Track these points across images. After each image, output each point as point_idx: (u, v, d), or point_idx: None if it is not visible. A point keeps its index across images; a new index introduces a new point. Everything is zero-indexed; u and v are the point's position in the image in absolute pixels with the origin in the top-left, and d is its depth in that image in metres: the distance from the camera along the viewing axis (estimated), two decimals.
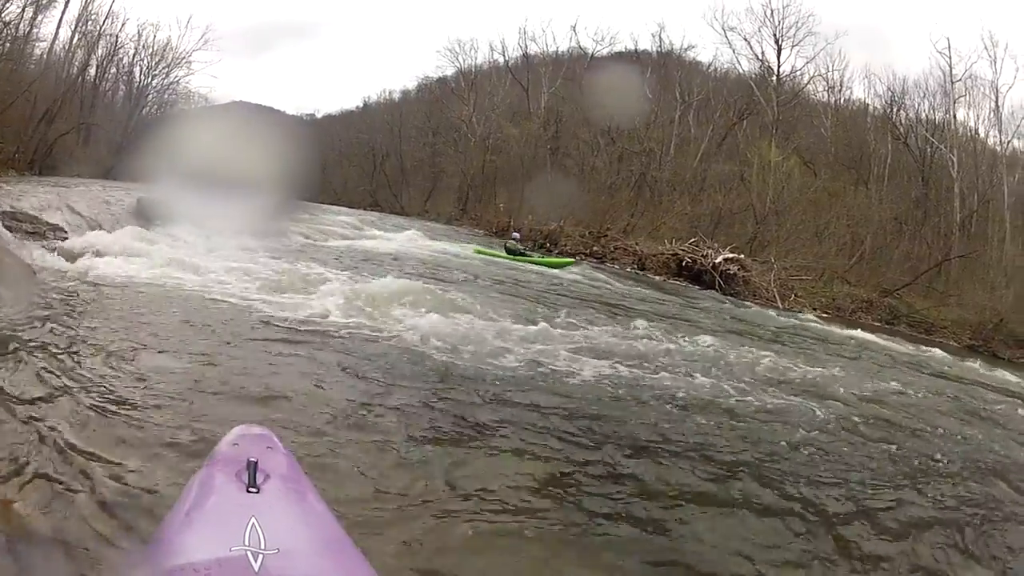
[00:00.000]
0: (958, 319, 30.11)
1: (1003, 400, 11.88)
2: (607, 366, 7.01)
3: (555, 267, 20.88)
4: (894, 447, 6.36)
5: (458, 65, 50.34)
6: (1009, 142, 38.66)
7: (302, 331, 6.85)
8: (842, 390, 8.40)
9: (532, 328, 8.37)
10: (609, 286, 18.63)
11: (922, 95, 38.98)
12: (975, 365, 18.36)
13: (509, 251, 21.74)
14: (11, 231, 9.51)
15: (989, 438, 7.82)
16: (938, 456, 6.39)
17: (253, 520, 1.87)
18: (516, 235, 23.95)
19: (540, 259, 21.91)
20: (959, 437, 7.45)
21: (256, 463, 2.18)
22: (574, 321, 9.60)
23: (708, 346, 9.40)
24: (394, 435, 4.48)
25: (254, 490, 2.12)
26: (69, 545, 2.86)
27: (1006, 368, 22.02)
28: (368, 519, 3.36)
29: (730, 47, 45.76)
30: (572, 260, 22.88)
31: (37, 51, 31.23)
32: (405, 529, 3.40)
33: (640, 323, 10.36)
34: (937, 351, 18.88)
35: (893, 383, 10.14)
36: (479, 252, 21.18)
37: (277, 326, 6.93)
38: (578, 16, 60.08)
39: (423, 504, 3.67)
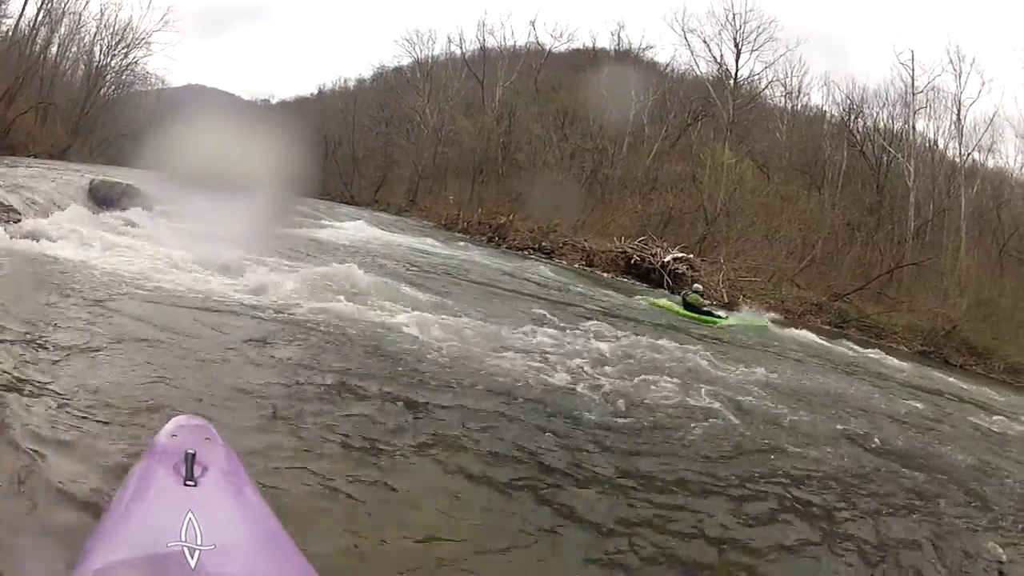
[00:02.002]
0: (909, 325, 31.18)
1: (950, 404, 13.40)
2: (542, 357, 7.40)
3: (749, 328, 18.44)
4: (833, 447, 6.87)
5: (415, 55, 51.00)
6: (969, 154, 40.48)
7: (245, 320, 6.95)
8: (782, 391, 9.09)
9: (470, 320, 8.60)
10: (557, 281, 19.08)
11: (881, 104, 40.51)
12: (926, 371, 19.88)
13: (689, 306, 17.93)
14: None
15: (937, 443, 8.58)
16: (877, 463, 6.86)
17: (190, 515, 1.91)
18: (698, 287, 19.38)
19: (723, 318, 18.12)
20: (905, 442, 8.10)
21: (194, 455, 2.22)
22: (531, 318, 9.92)
23: (644, 344, 9.72)
24: (334, 427, 4.53)
25: (191, 483, 2.15)
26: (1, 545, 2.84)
27: (958, 375, 23.35)
28: (306, 512, 3.42)
29: (689, 49, 46.81)
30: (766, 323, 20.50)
31: (3, 28, 31.51)
32: (343, 523, 3.48)
33: (595, 323, 10.69)
34: (888, 357, 20.06)
35: (836, 384, 11.05)
36: (654, 305, 18.22)
37: (221, 315, 7.01)
38: (538, 11, 60.69)
39: (361, 497, 3.73)
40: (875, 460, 6.89)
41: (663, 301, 18.70)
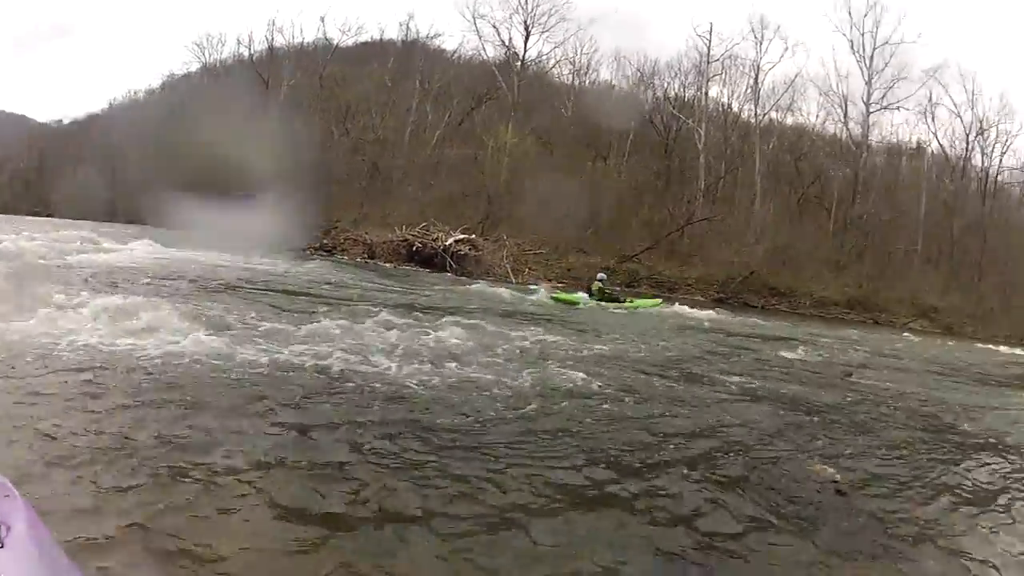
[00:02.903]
0: (702, 276, 32.93)
1: (759, 343, 14.84)
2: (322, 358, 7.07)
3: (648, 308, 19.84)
4: (666, 403, 7.15)
5: (204, 60, 49.43)
6: (766, 114, 44.19)
7: (41, 356, 6.33)
8: (573, 352, 9.38)
9: (266, 333, 8.15)
10: (343, 278, 18.67)
11: (674, 75, 43.18)
12: (726, 315, 21.97)
13: (593, 294, 18.96)
14: None
15: (758, 380, 9.26)
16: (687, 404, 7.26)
17: None
18: (602, 276, 20.53)
19: (632, 303, 19.68)
20: (725, 383, 8.68)
21: None
22: (310, 319, 9.30)
23: (439, 329, 9.44)
24: (135, 470, 4.17)
25: None
26: None
27: (762, 315, 25.70)
28: (112, 565, 3.18)
29: (478, 34, 47.55)
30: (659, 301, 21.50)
31: None
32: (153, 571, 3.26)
33: (382, 314, 10.29)
34: (683, 308, 21.74)
35: (647, 338, 11.78)
36: (557, 300, 18.62)
37: (13, 352, 6.37)
38: (329, 7, 60.10)
39: (178, 553, 3.43)
40: (700, 407, 7.29)
41: (565, 295, 19.66)
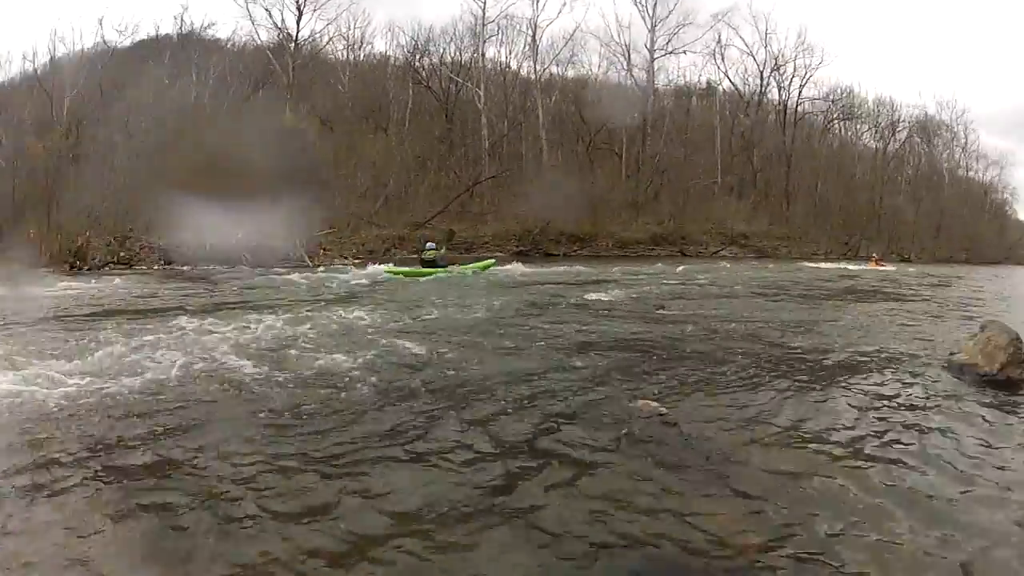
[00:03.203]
0: (499, 232, 34.41)
1: (565, 289, 15.91)
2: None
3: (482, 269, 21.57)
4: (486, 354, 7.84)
5: None
6: (546, 69, 46.93)
7: None
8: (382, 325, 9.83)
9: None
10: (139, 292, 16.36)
11: (449, 40, 45.43)
12: (536, 268, 23.32)
13: (427, 263, 20.60)
14: None
15: (568, 326, 10.04)
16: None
17: None
18: (431, 244, 21.87)
19: (465, 266, 21.92)
20: (536, 333, 9.39)
21: None
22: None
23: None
24: None
25: None
26: None
27: (557, 263, 27.10)
28: None
29: (251, 19, 47.83)
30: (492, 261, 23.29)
31: None
32: None
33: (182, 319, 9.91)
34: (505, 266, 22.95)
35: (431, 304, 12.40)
36: (390, 273, 20.02)
37: None
38: (106, 8, 58.39)
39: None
40: (522, 358, 7.77)
41: (398, 268, 21.08)
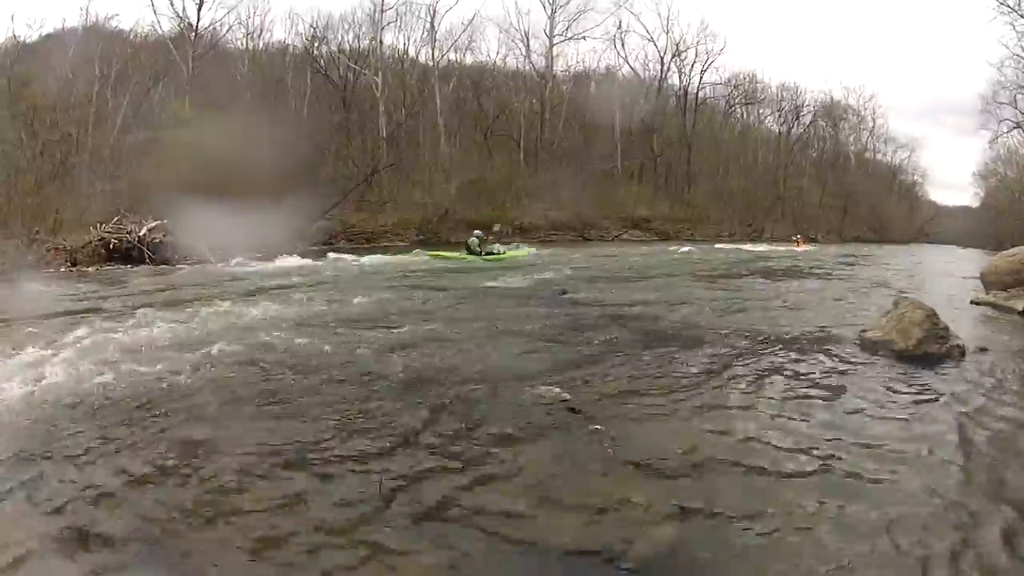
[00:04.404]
0: (399, 221, 36.33)
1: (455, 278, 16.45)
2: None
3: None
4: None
5: None
6: (444, 55, 49.16)
7: None
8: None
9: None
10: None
11: (347, 28, 47.24)
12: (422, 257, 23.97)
13: (472, 251, 23.56)
14: None
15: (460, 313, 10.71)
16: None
17: None
18: (477, 232, 25.42)
19: (502, 255, 24.26)
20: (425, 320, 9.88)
21: None
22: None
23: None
24: None
25: None
26: None
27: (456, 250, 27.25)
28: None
29: (153, 8, 48.75)
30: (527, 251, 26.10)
31: None
32: None
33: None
34: (386, 256, 23.99)
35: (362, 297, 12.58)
36: (434, 256, 23.15)
37: None
38: (18, 3, 58.56)
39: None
40: (423, 348, 8.14)
41: (438, 253, 24.10)
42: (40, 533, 3.75)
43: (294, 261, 22.96)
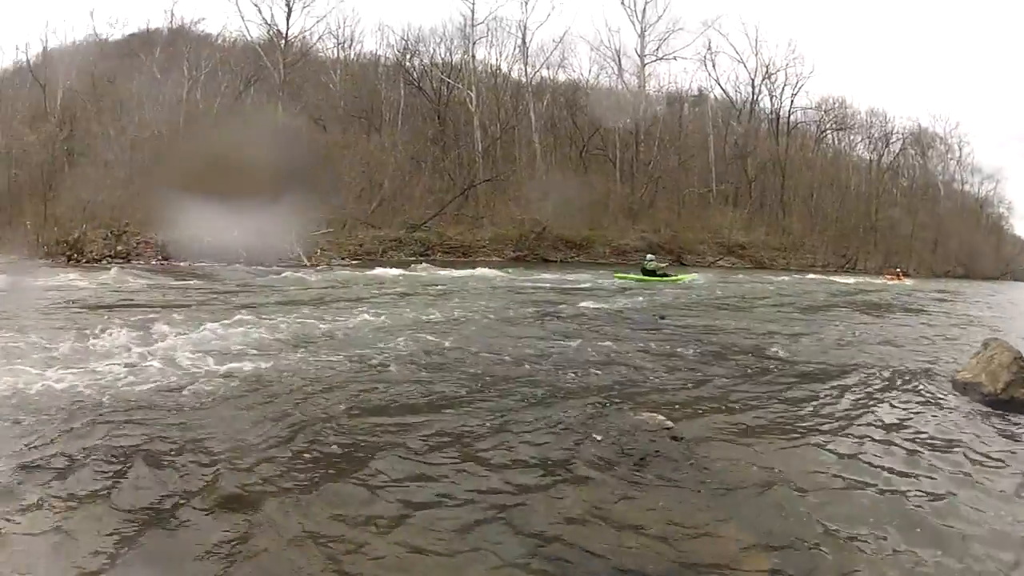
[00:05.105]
0: (496, 236, 35.04)
1: (562, 296, 16.00)
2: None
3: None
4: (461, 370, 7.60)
5: None
6: (536, 72, 47.70)
7: None
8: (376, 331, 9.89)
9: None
10: (137, 287, 17.31)
11: (439, 41, 46.92)
12: (522, 273, 23.25)
13: (648, 272, 23.26)
14: None
15: (573, 336, 10.11)
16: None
17: None
18: (650, 256, 25.45)
19: (677, 277, 24.22)
20: (541, 343, 9.44)
21: None
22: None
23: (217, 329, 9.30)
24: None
25: None
26: None
27: (556, 269, 27.17)
28: None
29: (240, 15, 48.44)
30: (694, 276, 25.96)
31: None
32: None
33: (176, 317, 10.22)
34: (483, 269, 23.36)
35: (437, 308, 12.59)
36: (619, 278, 22.89)
37: None
38: (97, 1, 59.31)
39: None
40: (536, 364, 7.99)
41: (622, 275, 23.60)
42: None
43: (392, 271, 22.38)
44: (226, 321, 9.77)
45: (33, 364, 6.75)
